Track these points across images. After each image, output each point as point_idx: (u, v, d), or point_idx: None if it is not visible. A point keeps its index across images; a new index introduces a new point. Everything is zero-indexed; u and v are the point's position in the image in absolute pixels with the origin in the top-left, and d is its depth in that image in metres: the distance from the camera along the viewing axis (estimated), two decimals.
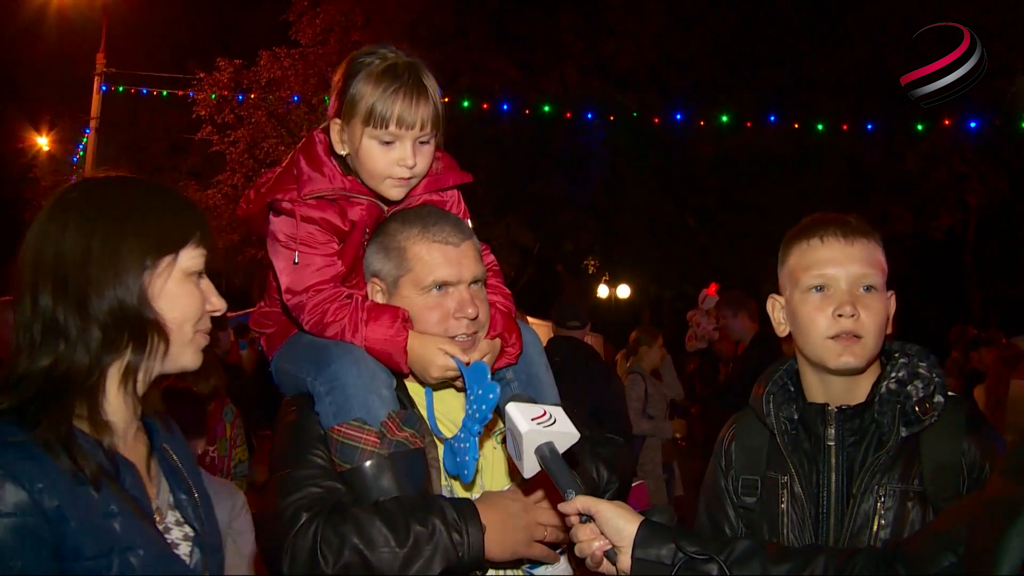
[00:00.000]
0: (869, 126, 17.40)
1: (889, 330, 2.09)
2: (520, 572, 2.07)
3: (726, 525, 2.24)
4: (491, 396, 1.91)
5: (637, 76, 21.09)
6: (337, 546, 1.83)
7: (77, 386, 1.56)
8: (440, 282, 2.09)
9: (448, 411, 2.14)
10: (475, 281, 2.14)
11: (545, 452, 1.76)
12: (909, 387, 2.04)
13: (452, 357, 2.01)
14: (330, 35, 21.17)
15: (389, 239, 2.14)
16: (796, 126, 17.99)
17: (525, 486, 2.03)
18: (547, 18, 21.40)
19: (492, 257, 2.35)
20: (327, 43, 21.12)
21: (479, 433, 1.95)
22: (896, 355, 2.12)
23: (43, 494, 1.42)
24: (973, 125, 16.00)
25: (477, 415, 1.94)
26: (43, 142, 29.15)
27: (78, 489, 1.47)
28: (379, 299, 2.17)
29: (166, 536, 1.67)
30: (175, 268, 1.68)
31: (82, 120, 22.33)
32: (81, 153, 23.52)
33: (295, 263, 2.08)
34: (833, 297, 2.04)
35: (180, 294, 1.68)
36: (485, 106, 20.29)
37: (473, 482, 2.04)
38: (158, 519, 1.67)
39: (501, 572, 2.04)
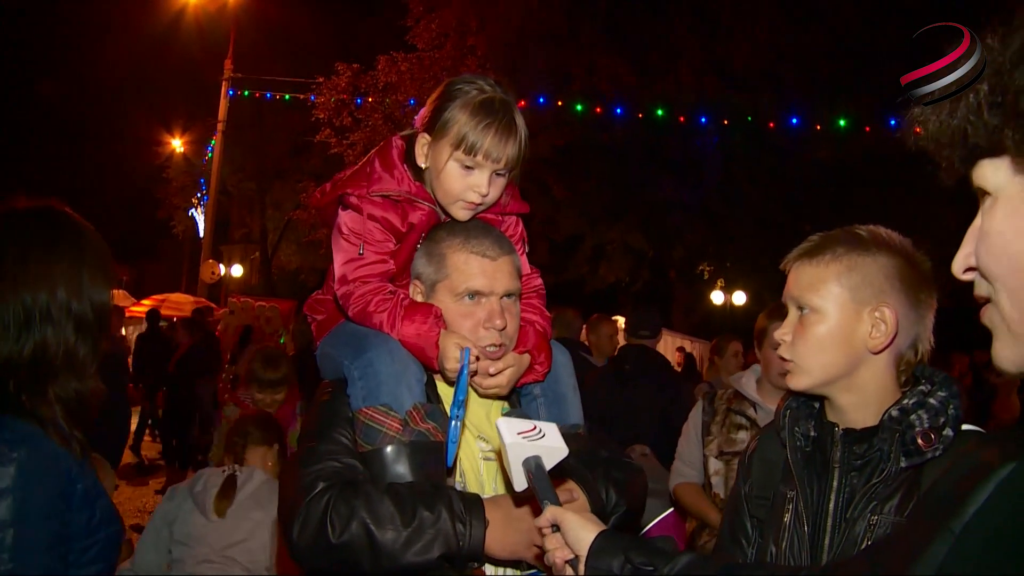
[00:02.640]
0: None
1: (878, 346, 1.99)
2: (519, 573, 2.12)
3: (742, 536, 2.25)
4: (461, 377, 2.00)
5: (752, 77, 20.52)
6: (346, 516, 1.91)
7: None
8: (473, 291, 2.18)
9: (470, 414, 2.22)
10: (508, 295, 2.22)
11: (531, 465, 1.80)
12: (912, 416, 1.96)
13: (462, 350, 2.07)
14: (446, 40, 21.39)
15: (434, 245, 2.26)
16: (918, 130, 17.03)
17: (519, 500, 2.05)
18: (660, 18, 21.05)
19: (539, 281, 2.45)
20: (443, 47, 21.37)
21: (459, 417, 2.00)
22: (922, 382, 2.04)
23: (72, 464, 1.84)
24: None
25: (454, 398, 2.01)
26: (176, 144, 30.61)
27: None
28: (418, 299, 2.28)
29: None
30: None
31: (211, 123, 23.30)
32: (210, 155, 24.53)
33: (360, 254, 2.21)
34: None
35: None
36: (599, 110, 20.12)
37: (453, 467, 2.10)
38: None
39: (500, 571, 2.10)
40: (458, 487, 2.11)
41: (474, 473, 2.18)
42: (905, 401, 1.99)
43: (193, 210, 30.82)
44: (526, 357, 2.24)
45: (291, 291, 28.87)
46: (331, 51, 22.23)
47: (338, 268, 2.24)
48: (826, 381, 2.05)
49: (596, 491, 2.15)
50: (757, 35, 20.21)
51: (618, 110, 19.93)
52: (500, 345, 2.17)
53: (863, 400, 2.04)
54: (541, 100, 19.93)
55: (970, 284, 1.95)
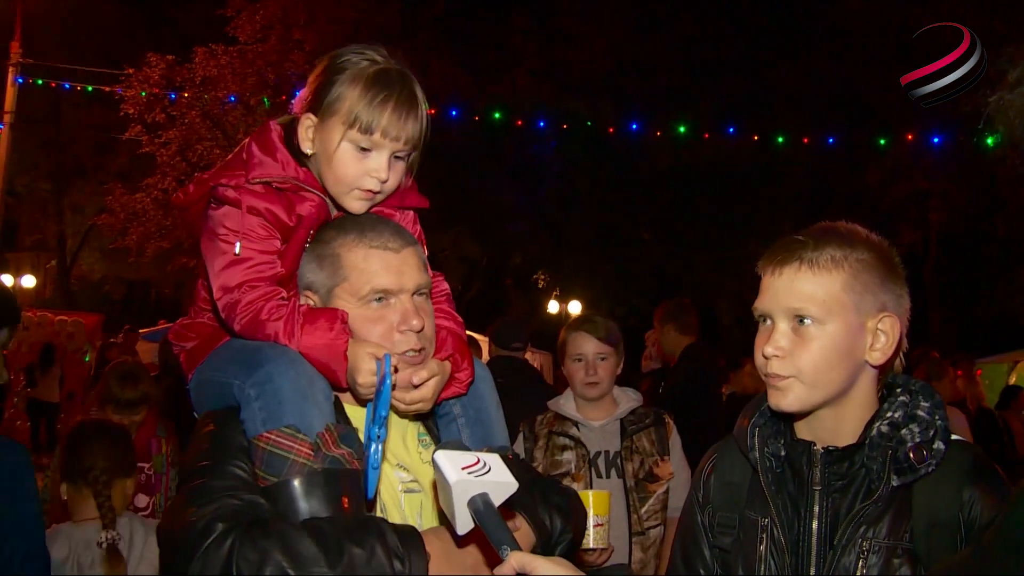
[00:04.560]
0: (830, 140, 17.51)
1: (882, 358, 1.89)
2: None
3: (700, 565, 2.12)
4: (382, 389, 1.78)
5: (592, 83, 21.06)
6: (256, 562, 1.63)
7: None
8: (380, 291, 1.96)
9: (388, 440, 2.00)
10: (418, 292, 2.02)
11: (479, 504, 1.62)
12: (904, 430, 1.87)
13: (380, 359, 1.84)
14: (270, 32, 20.89)
15: (323, 247, 2.03)
16: (756, 138, 18.05)
17: (462, 542, 1.86)
18: (498, 20, 21.32)
19: (446, 285, 2.27)
20: (267, 41, 20.85)
21: (380, 439, 1.80)
22: (898, 391, 1.95)
23: None
24: (936, 141, 16.17)
25: (374, 416, 1.80)
26: None
27: None
28: None
29: None
30: None
31: None
32: None
33: (236, 254, 1.94)
34: (765, 333, 1.95)
35: None
36: (432, 112, 20.04)
37: (374, 500, 1.88)
38: None
39: None
40: None
41: (395, 506, 1.96)
42: (891, 414, 1.91)
43: None
44: (447, 365, 2.04)
45: (93, 304, 27.33)
46: (142, 39, 21.24)
47: (216, 276, 1.97)
48: (826, 399, 1.92)
49: (540, 519, 1.99)
50: (596, 42, 20.78)
51: (453, 112, 19.95)
52: (420, 350, 1.97)
53: (846, 415, 1.93)
54: None
55: None
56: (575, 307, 25.83)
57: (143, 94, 20.32)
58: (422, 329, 1.97)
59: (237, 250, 1.94)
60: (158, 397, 5.32)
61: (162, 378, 6.86)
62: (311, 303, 2.02)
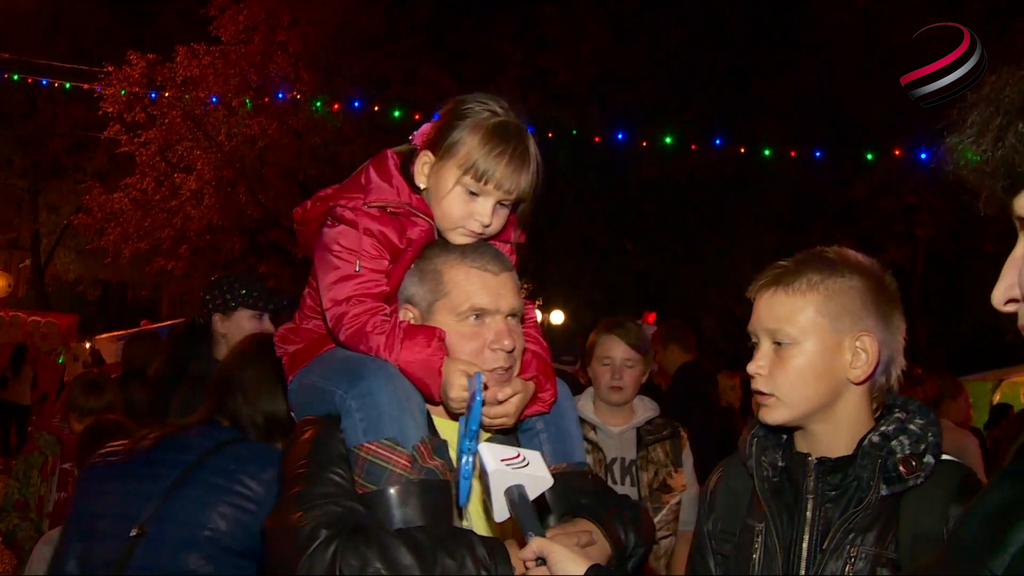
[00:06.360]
0: (817, 153, 17.57)
1: (862, 375, 2.01)
2: None
3: (704, 573, 2.24)
4: (473, 405, 1.87)
5: (577, 91, 21.05)
6: (358, 568, 1.78)
7: None
8: (478, 309, 2.11)
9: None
10: (512, 314, 2.16)
11: (514, 495, 1.76)
12: (893, 442, 1.98)
13: (472, 376, 1.96)
14: (254, 33, 20.82)
15: (426, 263, 2.19)
16: (742, 150, 18.09)
17: (503, 534, 2.02)
18: (484, 27, 21.30)
19: (535, 313, 2.41)
20: (250, 42, 20.77)
21: (471, 451, 1.88)
22: (896, 410, 2.06)
23: None
24: (923, 156, 16.20)
25: (465, 430, 1.89)
26: None
27: None
28: None
29: None
30: None
31: None
32: None
33: (355, 271, 2.11)
34: (756, 353, 2.11)
35: None
36: (417, 116, 20.04)
37: (464, 508, 2.01)
38: None
39: None
40: None
41: (478, 516, 2.08)
42: (884, 427, 2.00)
43: None
44: (531, 384, 2.17)
45: (68, 304, 27.04)
46: (122, 37, 21.06)
47: (327, 288, 2.12)
48: (806, 414, 2.04)
49: (616, 532, 2.11)
50: (582, 50, 20.76)
51: (436, 117, 19.90)
52: (508, 368, 2.10)
53: (838, 429, 2.04)
54: (356, 104, 19.64)
55: None
56: (557, 317, 25.75)
57: (123, 92, 20.19)
58: (512, 350, 2.10)
59: (357, 268, 2.10)
60: (119, 406, 5.29)
61: (128, 380, 6.73)
62: (411, 316, 2.17)
